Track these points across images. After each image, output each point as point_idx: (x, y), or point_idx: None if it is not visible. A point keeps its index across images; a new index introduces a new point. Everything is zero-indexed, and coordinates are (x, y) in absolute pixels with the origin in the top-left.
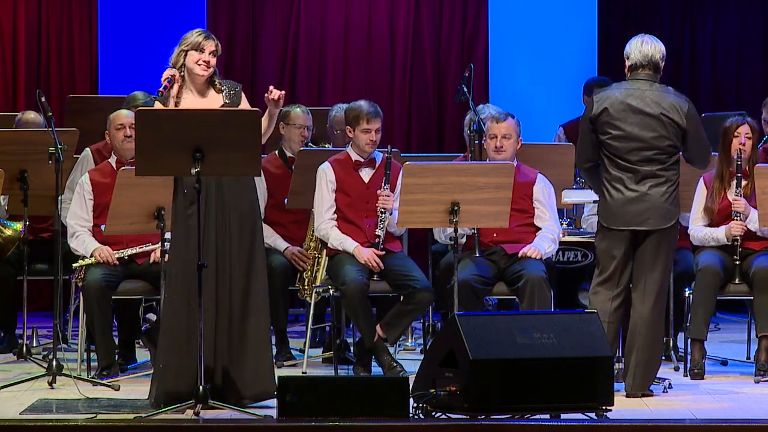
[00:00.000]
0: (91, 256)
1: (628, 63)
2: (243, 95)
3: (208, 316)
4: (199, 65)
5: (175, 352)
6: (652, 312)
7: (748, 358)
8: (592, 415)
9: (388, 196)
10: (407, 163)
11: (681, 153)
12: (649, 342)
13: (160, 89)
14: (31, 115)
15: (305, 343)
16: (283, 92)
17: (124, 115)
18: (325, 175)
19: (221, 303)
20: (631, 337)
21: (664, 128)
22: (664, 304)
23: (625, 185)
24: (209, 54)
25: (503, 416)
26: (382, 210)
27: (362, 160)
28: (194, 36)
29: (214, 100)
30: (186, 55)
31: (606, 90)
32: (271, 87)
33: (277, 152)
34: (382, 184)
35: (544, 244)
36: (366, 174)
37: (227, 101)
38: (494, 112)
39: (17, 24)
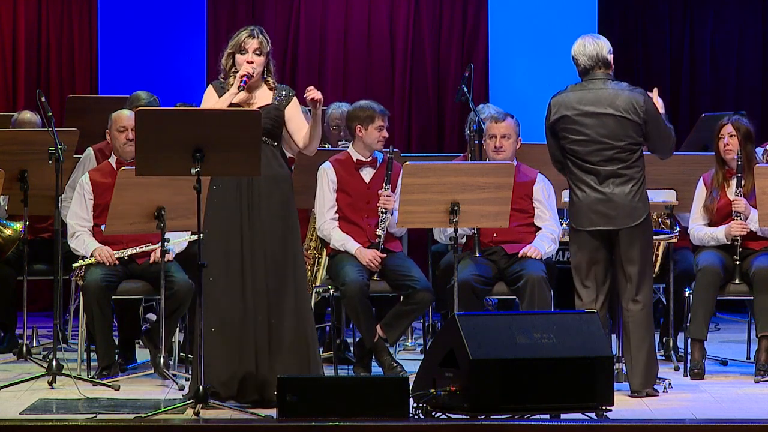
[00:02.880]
0: (91, 256)
1: (578, 69)
2: (295, 99)
3: (238, 316)
4: (245, 67)
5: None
6: (637, 309)
7: (748, 358)
8: (592, 415)
9: (389, 196)
10: (407, 163)
11: (645, 145)
12: (640, 339)
13: (240, 84)
14: (27, 115)
15: None
16: (319, 96)
17: (126, 117)
18: (327, 175)
19: (251, 303)
20: (624, 338)
21: (621, 127)
22: (649, 299)
23: (589, 186)
24: (253, 53)
25: (503, 416)
26: (383, 210)
27: (364, 159)
28: (238, 36)
29: (263, 97)
30: (233, 57)
31: (561, 94)
32: (310, 87)
33: None
34: (384, 185)
35: (544, 244)
36: (367, 174)
37: (275, 102)
38: (494, 112)
39: (17, 24)
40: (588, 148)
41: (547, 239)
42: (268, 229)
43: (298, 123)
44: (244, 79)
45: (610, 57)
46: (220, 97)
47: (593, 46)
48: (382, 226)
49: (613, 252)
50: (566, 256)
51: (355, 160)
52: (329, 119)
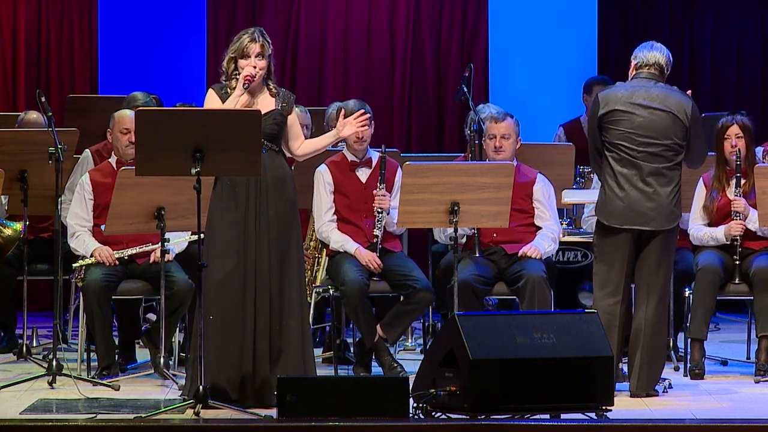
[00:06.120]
0: (91, 256)
1: (633, 63)
2: (295, 105)
3: (240, 318)
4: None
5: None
6: (655, 312)
7: (748, 358)
8: (592, 415)
9: (384, 195)
10: (407, 163)
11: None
12: (652, 342)
13: (245, 83)
14: (33, 115)
15: None
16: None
17: (129, 119)
18: (323, 178)
19: (252, 305)
20: (635, 338)
21: (670, 125)
22: (667, 304)
23: (630, 183)
24: (255, 57)
25: (503, 416)
26: (379, 210)
27: (358, 160)
28: (240, 41)
29: (266, 103)
30: (236, 61)
31: (611, 89)
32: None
33: None
34: (378, 184)
35: (544, 244)
36: (363, 174)
37: (279, 108)
38: (494, 112)
39: (17, 24)
40: (635, 141)
41: (547, 239)
42: (274, 231)
43: (296, 131)
44: (248, 79)
45: (667, 68)
46: (222, 100)
47: (658, 51)
48: (378, 225)
49: (639, 253)
50: (566, 256)
51: (349, 161)
52: (329, 120)
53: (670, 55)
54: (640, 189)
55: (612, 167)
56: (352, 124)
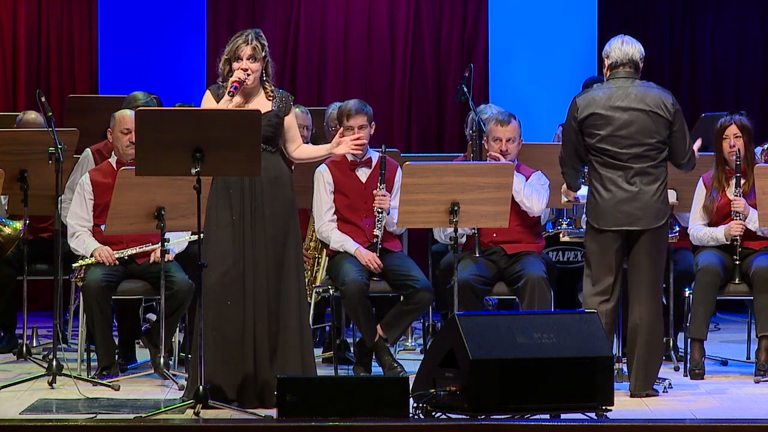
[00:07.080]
0: (91, 256)
1: (607, 62)
2: (293, 108)
3: (239, 318)
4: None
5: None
6: (650, 311)
7: (748, 358)
8: (592, 415)
9: (384, 195)
10: (407, 163)
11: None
12: (649, 341)
13: (231, 89)
14: (32, 115)
15: None
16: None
17: (130, 119)
18: (323, 177)
19: (251, 306)
20: (631, 338)
21: (651, 123)
22: (661, 302)
23: (616, 185)
24: (247, 60)
25: (503, 416)
26: (379, 210)
27: (358, 160)
28: (233, 42)
29: (262, 105)
30: (230, 63)
31: (588, 92)
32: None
33: None
34: (378, 184)
35: (518, 180)
36: (363, 174)
37: (275, 109)
38: (498, 114)
39: (17, 24)
40: (618, 144)
41: (527, 186)
42: (270, 231)
43: (293, 134)
44: (235, 85)
45: (641, 62)
46: (217, 102)
47: (630, 46)
48: (378, 225)
49: (629, 252)
50: (566, 256)
51: (349, 161)
52: (329, 119)
53: (642, 48)
54: (625, 190)
55: (597, 170)
56: (347, 144)
